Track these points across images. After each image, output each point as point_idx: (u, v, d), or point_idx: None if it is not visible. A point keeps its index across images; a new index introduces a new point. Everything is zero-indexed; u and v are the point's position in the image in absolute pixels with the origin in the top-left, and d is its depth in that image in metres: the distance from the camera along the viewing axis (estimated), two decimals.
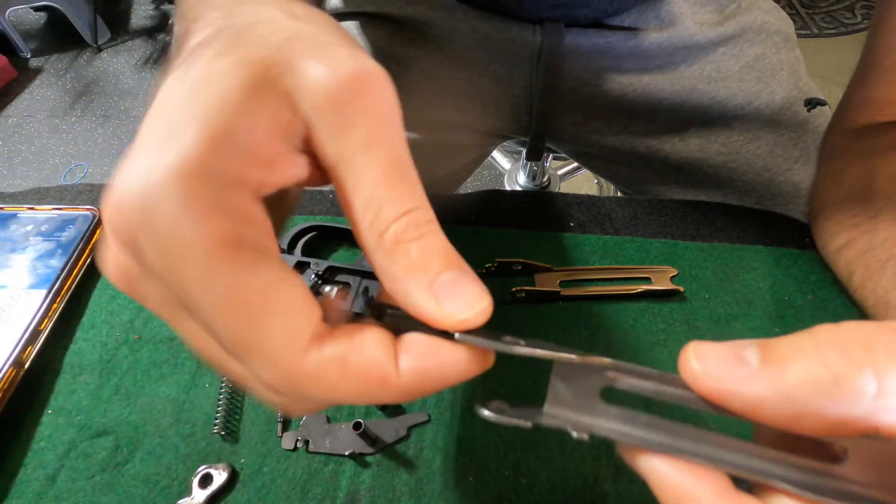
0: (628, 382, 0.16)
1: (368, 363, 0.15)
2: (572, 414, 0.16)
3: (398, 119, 0.16)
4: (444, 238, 0.17)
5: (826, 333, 0.12)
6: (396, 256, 0.16)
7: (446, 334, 0.16)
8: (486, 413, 0.16)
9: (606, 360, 0.16)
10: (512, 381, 0.34)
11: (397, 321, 0.17)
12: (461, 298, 0.16)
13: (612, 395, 0.16)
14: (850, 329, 0.12)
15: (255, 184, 0.15)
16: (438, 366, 0.16)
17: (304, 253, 0.38)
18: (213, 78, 0.15)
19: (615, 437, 0.15)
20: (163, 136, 0.14)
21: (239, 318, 0.14)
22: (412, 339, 0.16)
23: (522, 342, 0.17)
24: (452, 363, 0.16)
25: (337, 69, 0.15)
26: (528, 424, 0.16)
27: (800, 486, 0.13)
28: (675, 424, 0.15)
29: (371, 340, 0.16)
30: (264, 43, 0.15)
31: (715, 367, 0.13)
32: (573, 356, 0.16)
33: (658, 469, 0.14)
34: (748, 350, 0.13)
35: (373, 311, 0.17)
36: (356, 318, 0.17)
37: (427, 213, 0.17)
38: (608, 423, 0.16)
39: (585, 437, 0.16)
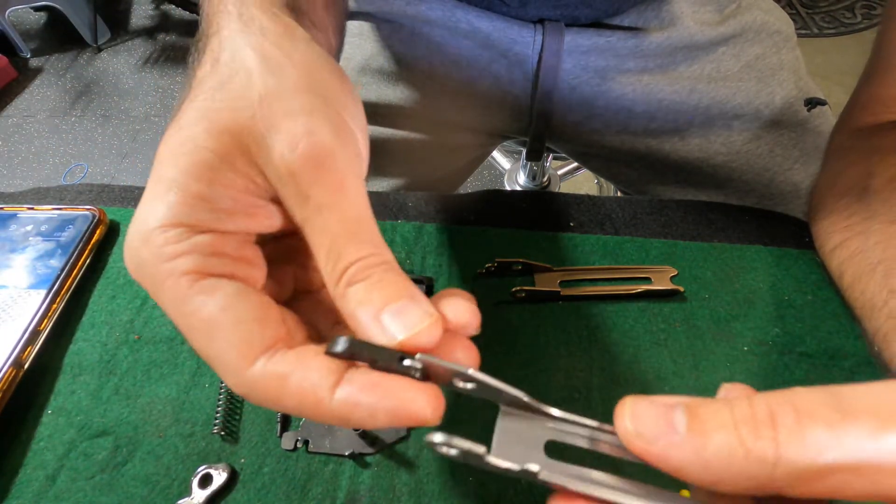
0: (570, 435, 0.17)
1: (306, 384, 0.17)
2: (515, 463, 0.17)
3: (353, 183, 0.18)
4: (398, 275, 0.18)
5: (741, 410, 0.14)
6: (349, 296, 0.18)
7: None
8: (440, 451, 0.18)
9: (553, 411, 0.17)
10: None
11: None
12: (403, 321, 0.17)
13: (554, 448, 0.17)
14: (761, 404, 0.14)
15: (242, 229, 0.19)
16: (372, 402, 0.17)
17: None
18: (193, 145, 0.18)
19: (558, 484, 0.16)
20: (154, 193, 0.18)
21: (195, 336, 0.18)
22: (360, 373, 0.18)
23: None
24: (387, 401, 0.17)
25: (295, 148, 0.17)
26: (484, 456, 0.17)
27: None
28: (613, 479, 0.16)
29: (317, 364, 0.17)
30: (237, 105, 0.18)
31: (646, 429, 0.14)
32: (521, 395, 0.18)
33: None
34: (677, 414, 0.14)
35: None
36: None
37: (380, 258, 0.18)
38: (549, 475, 0.17)
39: (539, 469, 0.17)
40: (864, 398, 0.13)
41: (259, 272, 0.20)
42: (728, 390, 0.17)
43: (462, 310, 0.20)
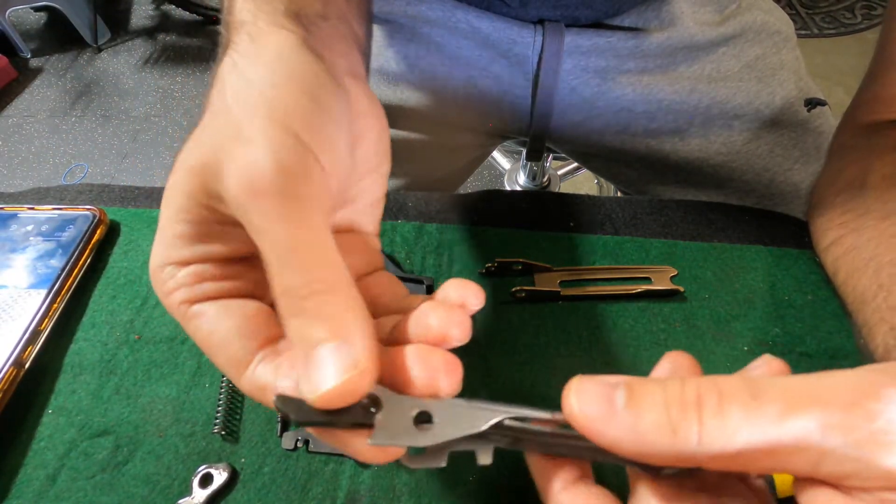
0: (519, 425, 0.18)
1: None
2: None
3: (292, 208, 0.18)
4: (334, 306, 0.17)
5: (673, 391, 0.15)
6: (290, 330, 0.18)
7: None
8: (404, 463, 0.18)
9: (501, 415, 0.18)
10: (511, 382, 0.34)
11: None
12: (319, 374, 0.16)
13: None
14: (691, 386, 0.15)
15: (220, 254, 0.21)
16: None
17: None
18: (174, 189, 0.20)
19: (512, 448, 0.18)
20: (157, 236, 0.21)
21: (204, 350, 0.20)
22: None
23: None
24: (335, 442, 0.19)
25: (236, 177, 0.18)
26: (443, 464, 0.18)
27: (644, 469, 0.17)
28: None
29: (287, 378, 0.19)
30: (211, 141, 0.19)
31: (588, 405, 0.15)
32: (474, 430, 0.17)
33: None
34: (618, 392, 0.15)
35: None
36: None
37: (321, 284, 0.17)
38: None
39: (489, 461, 0.18)
40: (776, 385, 0.14)
41: (245, 283, 0.22)
42: (673, 359, 0.19)
43: (462, 287, 0.21)
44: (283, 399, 0.17)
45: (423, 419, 0.17)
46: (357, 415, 0.17)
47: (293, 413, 0.17)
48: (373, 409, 0.17)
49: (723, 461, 0.14)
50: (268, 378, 0.19)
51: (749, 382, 0.15)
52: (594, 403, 0.15)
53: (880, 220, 0.32)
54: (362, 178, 0.24)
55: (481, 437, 0.17)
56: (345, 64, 0.24)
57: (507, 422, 0.17)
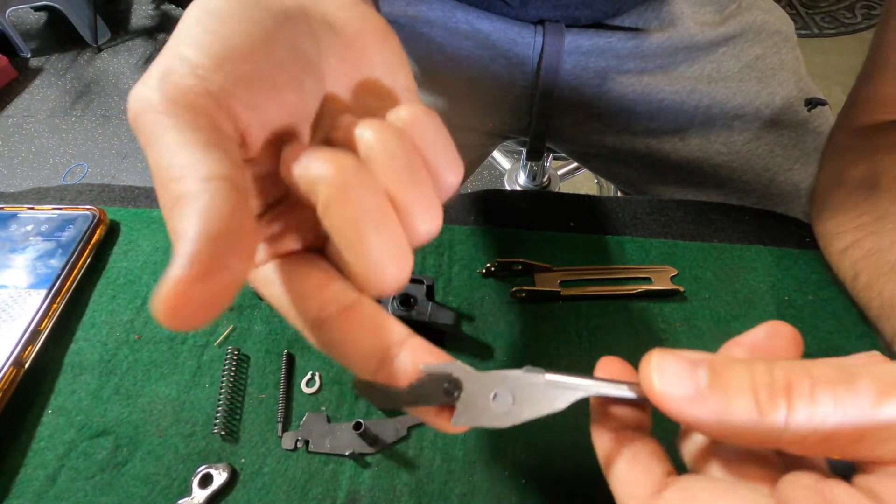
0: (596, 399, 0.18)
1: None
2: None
3: (151, 138, 0.16)
4: (176, 218, 0.14)
5: (761, 376, 0.15)
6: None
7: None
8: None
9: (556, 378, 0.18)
10: None
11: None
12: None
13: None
14: (780, 373, 0.15)
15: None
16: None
17: None
18: None
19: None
20: None
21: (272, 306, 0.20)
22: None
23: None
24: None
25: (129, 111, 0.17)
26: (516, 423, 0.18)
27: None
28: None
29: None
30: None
31: (670, 384, 0.15)
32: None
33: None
34: (700, 371, 0.15)
35: None
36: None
37: (170, 201, 0.15)
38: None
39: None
40: (871, 373, 0.14)
41: (290, 234, 0.20)
42: (772, 327, 0.18)
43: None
44: (363, 385, 0.18)
45: (504, 399, 0.18)
46: (437, 398, 0.17)
47: (376, 400, 0.17)
48: (453, 392, 0.17)
49: (807, 446, 0.14)
50: (332, 341, 0.18)
51: (842, 369, 0.14)
52: (676, 381, 0.15)
53: None
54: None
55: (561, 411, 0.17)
56: None
57: (591, 398, 0.17)
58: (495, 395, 0.17)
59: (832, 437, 0.14)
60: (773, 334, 0.18)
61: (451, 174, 0.19)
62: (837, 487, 0.14)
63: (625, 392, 0.17)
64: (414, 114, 0.18)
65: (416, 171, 0.17)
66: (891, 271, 0.30)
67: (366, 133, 0.17)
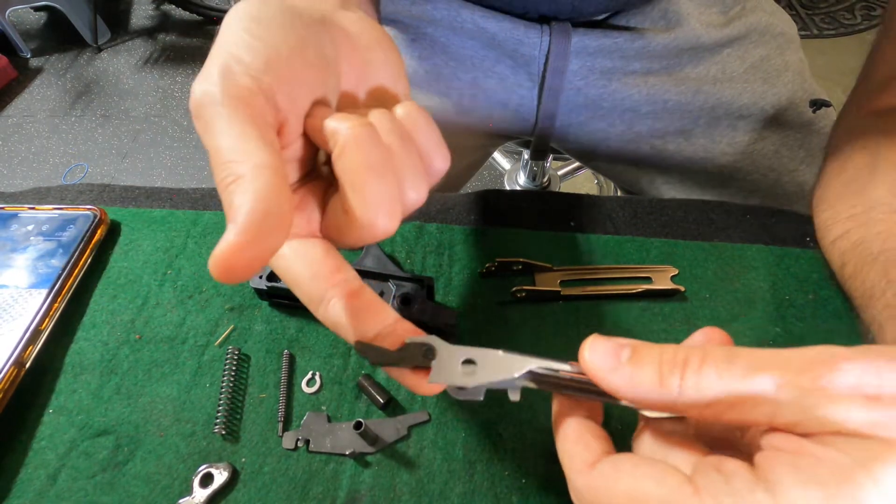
0: (545, 374, 0.21)
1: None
2: (510, 379, 0.21)
3: (209, 128, 0.19)
4: (232, 193, 0.17)
5: (668, 353, 0.18)
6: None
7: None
8: (450, 394, 0.22)
9: (531, 364, 0.21)
10: None
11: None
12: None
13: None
14: (681, 351, 0.18)
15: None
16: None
17: None
18: None
19: (537, 388, 0.22)
20: None
21: (281, 278, 0.24)
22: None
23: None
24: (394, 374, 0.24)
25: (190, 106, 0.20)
26: (481, 398, 0.22)
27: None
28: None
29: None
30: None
31: (598, 358, 0.19)
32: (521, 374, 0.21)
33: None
34: (624, 350, 0.19)
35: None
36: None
37: (230, 178, 0.18)
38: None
39: (518, 397, 0.22)
40: (751, 354, 0.17)
41: (307, 217, 0.23)
42: (705, 333, 0.22)
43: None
44: (362, 345, 0.22)
45: (469, 364, 0.21)
46: (417, 360, 0.22)
47: (370, 356, 0.22)
48: (430, 355, 0.22)
49: (697, 410, 0.18)
50: (340, 317, 0.22)
51: (729, 351, 0.18)
52: (603, 357, 0.19)
53: (890, 213, 0.31)
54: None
55: (514, 379, 0.21)
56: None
57: (536, 369, 0.21)
58: (463, 362, 0.21)
59: (715, 403, 0.17)
60: (707, 339, 0.22)
61: (439, 160, 0.23)
62: (731, 462, 0.17)
63: (565, 367, 0.21)
64: (410, 108, 0.23)
65: (409, 148, 0.21)
66: (874, 261, 0.31)
67: (374, 114, 0.21)
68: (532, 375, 0.21)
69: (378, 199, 0.19)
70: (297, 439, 0.32)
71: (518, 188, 1.12)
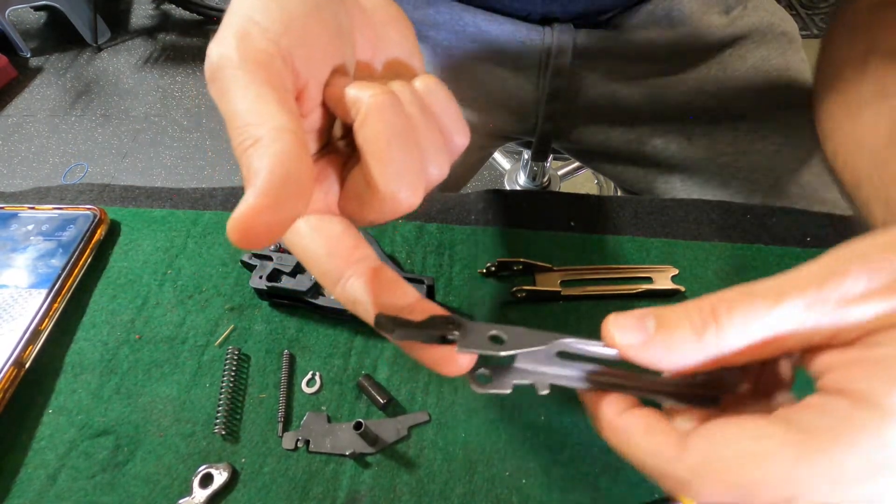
0: (576, 348, 0.20)
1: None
2: (537, 371, 0.21)
3: (223, 92, 0.18)
4: (250, 157, 0.17)
5: (693, 309, 0.18)
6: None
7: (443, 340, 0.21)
8: (473, 387, 0.21)
9: (563, 341, 0.20)
10: None
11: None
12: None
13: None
14: (704, 303, 0.18)
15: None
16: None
17: None
18: None
19: (566, 384, 0.21)
20: None
21: (297, 257, 0.22)
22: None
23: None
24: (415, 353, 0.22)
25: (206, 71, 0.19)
26: (508, 391, 0.21)
27: (678, 400, 0.21)
28: (614, 370, 0.21)
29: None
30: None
31: (626, 335, 0.19)
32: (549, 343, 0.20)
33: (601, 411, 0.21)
34: (648, 321, 0.19)
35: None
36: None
37: (248, 141, 0.17)
38: (562, 373, 0.21)
39: (547, 391, 0.21)
40: (765, 284, 0.17)
41: (326, 192, 0.22)
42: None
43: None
44: (383, 317, 0.20)
45: (497, 340, 0.20)
46: (443, 330, 0.20)
47: (393, 329, 0.20)
48: (457, 329, 0.20)
49: (742, 354, 0.18)
50: (357, 293, 0.21)
51: (743, 287, 0.18)
52: (632, 333, 0.18)
53: (880, 102, 0.32)
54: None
55: (544, 350, 0.21)
56: None
57: (567, 341, 0.20)
58: (490, 336, 0.20)
59: (754, 346, 0.17)
60: None
61: (459, 135, 0.22)
62: (812, 399, 0.17)
63: (595, 343, 0.20)
64: (429, 82, 0.21)
65: (430, 121, 0.20)
66: (861, 149, 0.31)
67: (393, 85, 0.20)
68: (561, 347, 0.20)
69: (401, 170, 0.18)
70: (297, 439, 0.32)
71: (518, 188, 1.12)
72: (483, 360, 0.21)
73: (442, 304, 0.35)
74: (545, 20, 0.48)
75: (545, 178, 1.12)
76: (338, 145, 0.23)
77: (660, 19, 0.48)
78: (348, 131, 0.22)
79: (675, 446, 0.18)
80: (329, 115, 0.22)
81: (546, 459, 0.32)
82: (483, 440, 0.32)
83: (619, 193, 0.71)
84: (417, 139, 0.20)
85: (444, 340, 0.20)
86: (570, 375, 0.21)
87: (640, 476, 0.30)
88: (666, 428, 0.19)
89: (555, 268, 0.38)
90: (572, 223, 0.42)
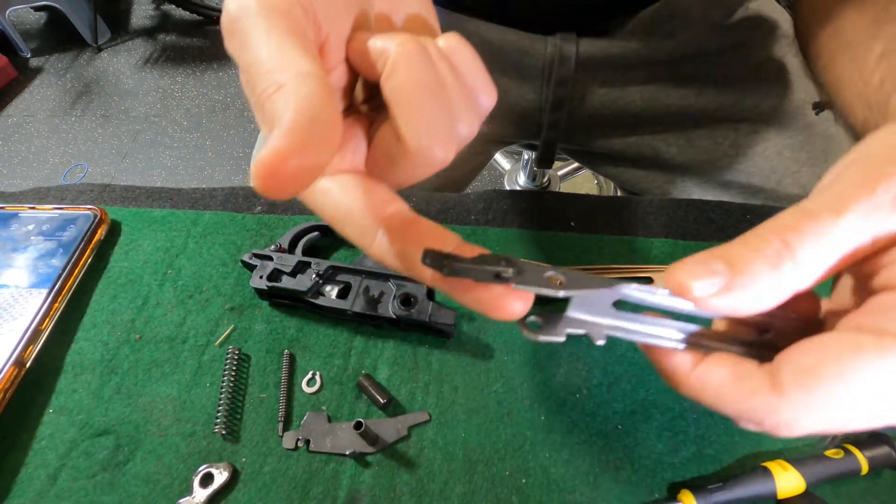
0: (637, 297, 0.19)
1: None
2: (592, 321, 0.20)
3: (242, 42, 0.18)
4: (272, 103, 0.16)
5: (756, 243, 0.18)
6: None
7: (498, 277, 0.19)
8: (526, 334, 0.19)
9: (622, 287, 0.19)
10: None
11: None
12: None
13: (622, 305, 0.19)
14: (766, 233, 0.18)
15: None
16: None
17: (304, 253, 0.38)
18: None
19: (622, 336, 0.20)
20: None
21: (327, 220, 0.20)
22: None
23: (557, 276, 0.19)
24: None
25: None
26: (562, 339, 0.19)
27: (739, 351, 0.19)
28: (671, 321, 0.20)
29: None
30: None
31: (702, 286, 0.18)
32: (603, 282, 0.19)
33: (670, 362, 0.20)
34: (715, 264, 0.18)
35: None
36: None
37: (271, 89, 0.17)
38: (619, 324, 0.20)
39: (603, 341, 0.19)
40: (815, 201, 0.17)
41: (351, 151, 0.21)
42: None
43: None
44: (432, 253, 0.19)
45: (556, 278, 0.19)
46: (497, 268, 0.18)
47: (441, 266, 0.18)
48: (510, 267, 0.19)
49: (822, 274, 0.17)
50: (394, 245, 0.20)
51: (794, 210, 0.18)
52: (704, 280, 0.17)
53: (859, 8, 0.32)
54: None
55: (600, 305, 0.19)
56: None
57: (626, 288, 0.19)
58: (547, 276, 0.19)
59: (829, 269, 0.17)
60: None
61: (486, 96, 0.21)
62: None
63: (662, 296, 0.19)
64: (454, 39, 0.21)
65: (458, 78, 0.19)
66: (843, 52, 0.32)
67: (422, 38, 0.19)
68: (622, 294, 0.19)
69: (432, 122, 0.18)
70: (298, 439, 0.32)
71: (518, 188, 1.12)
72: (536, 307, 0.19)
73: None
74: (547, 29, 0.48)
75: (545, 179, 1.12)
76: (361, 109, 0.22)
77: (662, 24, 0.48)
78: (371, 95, 0.22)
79: (769, 386, 0.17)
80: (352, 75, 0.21)
81: (546, 459, 0.32)
82: (483, 440, 0.32)
83: (619, 193, 0.71)
84: (447, 93, 0.19)
85: (498, 278, 0.19)
86: (627, 327, 0.20)
87: (640, 476, 0.31)
88: (752, 369, 0.18)
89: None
90: (572, 223, 0.42)
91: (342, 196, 0.20)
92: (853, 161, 0.18)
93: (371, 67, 0.19)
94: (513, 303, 0.19)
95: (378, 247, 0.20)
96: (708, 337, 0.20)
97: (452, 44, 0.20)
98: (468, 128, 0.20)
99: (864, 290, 0.18)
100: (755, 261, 0.17)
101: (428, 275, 0.19)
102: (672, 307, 0.19)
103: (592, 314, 0.20)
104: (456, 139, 0.19)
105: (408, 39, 0.18)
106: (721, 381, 0.18)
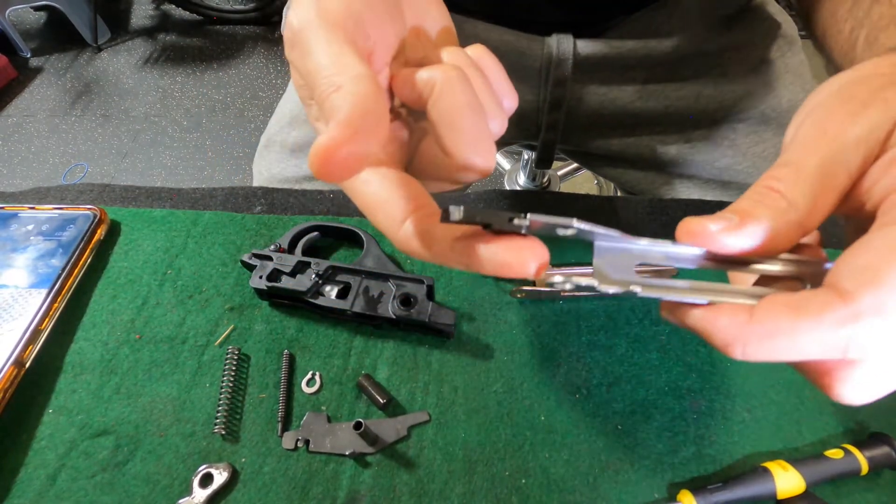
0: (654, 256, 0.21)
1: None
2: (619, 287, 0.20)
3: (305, 52, 0.21)
4: (332, 100, 0.19)
5: (764, 193, 0.20)
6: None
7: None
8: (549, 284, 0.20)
9: (641, 241, 0.20)
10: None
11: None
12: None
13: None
14: (770, 178, 0.20)
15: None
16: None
17: (304, 253, 0.38)
18: None
19: (656, 297, 0.20)
20: None
21: (362, 207, 0.22)
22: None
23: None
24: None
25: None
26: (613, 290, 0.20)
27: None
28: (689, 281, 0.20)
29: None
30: None
31: (710, 223, 0.19)
32: (616, 232, 0.20)
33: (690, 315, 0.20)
34: (723, 214, 0.20)
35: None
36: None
37: (331, 88, 0.19)
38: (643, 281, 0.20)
39: (639, 289, 0.20)
40: (788, 155, 0.20)
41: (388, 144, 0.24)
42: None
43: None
44: (446, 211, 0.19)
45: (568, 219, 0.20)
46: (510, 215, 0.19)
47: (457, 209, 0.19)
48: (525, 214, 0.19)
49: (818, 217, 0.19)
50: (418, 232, 0.22)
51: (777, 163, 0.20)
52: (717, 222, 0.19)
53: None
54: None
55: (623, 266, 0.21)
56: None
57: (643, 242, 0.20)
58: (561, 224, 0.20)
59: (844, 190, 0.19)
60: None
61: (509, 98, 0.24)
62: None
63: (677, 246, 0.20)
64: (480, 50, 0.24)
65: (488, 86, 0.23)
66: (845, 22, 0.33)
67: (448, 52, 0.23)
68: (641, 251, 0.20)
69: (475, 135, 0.20)
70: (297, 439, 0.32)
71: (518, 188, 1.12)
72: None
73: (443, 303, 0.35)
74: (545, 30, 0.48)
75: (545, 179, 1.12)
76: (400, 112, 0.25)
77: (661, 25, 0.48)
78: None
79: (837, 296, 0.16)
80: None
81: (546, 459, 0.32)
82: (483, 440, 0.32)
83: (619, 194, 0.71)
84: (482, 107, 0.21)
85: (511, 223, 0.19)
86: (659, 285, 0.20)
87: (639, 476, 0.31)
88: (805, 294, 0.17)
89: (554, 268, 0.38)
90: None
91: (380, 186, 0.22)
92: (807, 115, 0.20)
93: (415, 96, 0.22)
94: (531, 256, 0.19)
95: (404, 233, 0.22)
96: (732, 292, 0.19)
97: (479, 53, 0.24)
98: (498, 126, 0.23)
99: (867, 221, 0.19)
100: (758, 204, 0.19)
101: (448, 257, 0.21)
102: (688, 255, 0.20)
103: (617, 272, 0.21)
104: (494, 148, 0.21)
105: (450, 67, 0.21)
106: (787, 317, 0.17)
